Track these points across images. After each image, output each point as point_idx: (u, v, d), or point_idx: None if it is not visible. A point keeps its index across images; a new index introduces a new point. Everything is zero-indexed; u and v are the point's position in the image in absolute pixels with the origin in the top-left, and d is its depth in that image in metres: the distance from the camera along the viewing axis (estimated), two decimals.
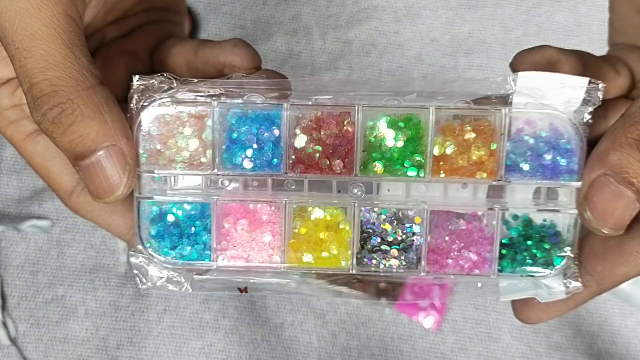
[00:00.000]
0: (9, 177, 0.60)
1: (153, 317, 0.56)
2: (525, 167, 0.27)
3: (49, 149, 0.29)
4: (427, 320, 0.55)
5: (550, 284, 0.27)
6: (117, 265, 0.58)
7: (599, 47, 0.66)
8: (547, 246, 0.28)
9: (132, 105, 0.28)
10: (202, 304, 0.57)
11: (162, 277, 0.29)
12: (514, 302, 0.29)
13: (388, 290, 0.56)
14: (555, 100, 0.27)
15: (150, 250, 0.29)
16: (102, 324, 0.57)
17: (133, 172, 0.27)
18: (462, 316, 0.57)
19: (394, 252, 0.28)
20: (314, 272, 0.30)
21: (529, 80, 0.27)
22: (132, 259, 0.29)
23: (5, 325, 0.56)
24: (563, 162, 0.27)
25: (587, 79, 0.27)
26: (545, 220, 0.28)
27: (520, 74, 0.27)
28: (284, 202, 0.28)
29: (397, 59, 0.63)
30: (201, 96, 0.28)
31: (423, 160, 0.27)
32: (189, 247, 0.29)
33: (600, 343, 0.57)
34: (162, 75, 0.28)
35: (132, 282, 0.57)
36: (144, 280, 0.29)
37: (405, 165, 0.28)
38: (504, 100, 0.27)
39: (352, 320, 0.57)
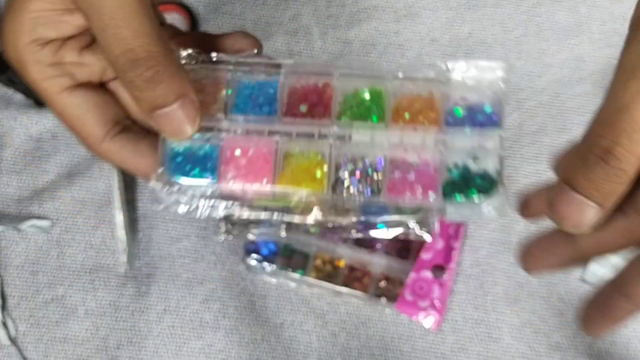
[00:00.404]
0: (9, 177, 0.60)
1: (153, 317, 0.56)
2: (462, 125, 0.37)
3: (85, 102, 0.35)
4: (427, 320, 0.55)
5: (484, 209, 0.37)
6: (117, 266, 0.58)
7: (599, 47, 0.66)
8: (480, 182, 0.37)
9: None
10: (202, 304, 0.57)
11: (177, 200, 0.37)
12: (521, 255, 0.36)
13: (388, 290, 0.56)
14: (485, 78, 0.37)
15: (168, 176, 0.36)
16: (102, 324, 0.57)
17: (200, 117, 0.34)
18: (462, 316, 0.57)
19: (360, 184, 0.38)
20: (297, 198, 0.38)
21: (462, 65, 0.37)
22: (152, 184, 0.36)
23: (5, 325, 0.56)
24: (490, 119, 0.37)
25: (502, 63, 0.37)
26: (477, 166, 0.37)
27: (455, 63, 0.37)
28: (276, 140, 0.37)
29: (397, 59, 0.63)
30: (219, 66, 0.37)
31: (382, 114, 0.37)
32: (201, 173, 0.37)
33: (600, 343, 0.57)
34: (189, 49, 0.36)
35: (132, 282, 0.57)
36: (161, 202, 0.37)
37: (371, 116, 0.37)
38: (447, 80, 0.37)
39: (352, 320, 0.57)
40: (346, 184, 0.38)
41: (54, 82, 0.34)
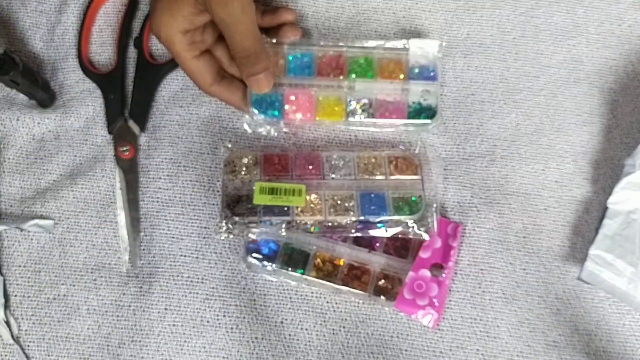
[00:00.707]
0: (12, 177, 0.60)
1: (155, 315, 0.57)
2: (417, 77, 0.61)
3: (204, 63, 0.56)
4: (426, 319, 0.56)
5: (429, 126, 0.60)
6: (120, 265, 0.58)
7: (596, 48, 0.66)
8: (428, 112, 0.60)
9: None
10: (203, 302, 0.57)
11: (259, 127, 0.60)
12: None
13: (387, 288, 0.57)
14: (428, 50, 0.61)
15: (254, 111, 0.59)
16: (105, 323, 0.57)
17: (273, 80, 0.57)
18: (460, 314, 0.57)
19: (363, 113, 0.60)
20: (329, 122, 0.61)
21: (415, 43, 0.61)
22: (245, 118, 0.60)
23: (8, 324, 0.57)
24: (432, 75, 0.61)
25: (438, 41, 0.61)
26: (426, 102, 0.60)
27: (411, 40, 0.61)
28: (314, 90, 0.60)
29: None
30: (278, 46, 0.60)
31: (373, 73, 0.60)
32: (272, 110, 0.59)
33: (597, 341, 0.57)
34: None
35: (134, 281, 0.58)
36: (251, 125, 0.60)
37: (367, 74, 0.60)
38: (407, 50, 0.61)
39: (352, 319, 0.57)
40: (354, 114, 0.60)
41: (189, 53, 0.55)
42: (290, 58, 0.60)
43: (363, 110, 0.60)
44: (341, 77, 0.60)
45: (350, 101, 0.60)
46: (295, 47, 0.60)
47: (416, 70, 0.61)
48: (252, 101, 0.59)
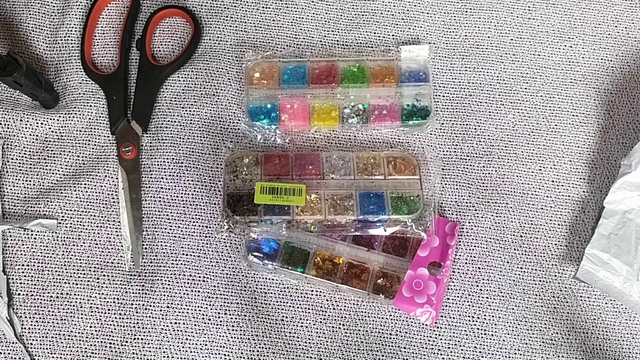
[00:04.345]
0: (16, 177, 0.61)
1: (157, 313, 0.57)
2: (409, 82, 0.62)
3: None
4: (424, 316, 0.56)
5: (424, 126, 0.62)
6: (122, 263, 0.59)
7: (592, 50, 0.67)
8: (421, 113, 0.61)
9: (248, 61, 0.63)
10: (205, 300, 0.58)
11: (258, 134, 0.61)
12: None
13: (386, 286, 0.57)
14: (418, 55, 0.63)
15: (251, 121, 0.61)
16: (107, 321, 0.58)
17: None
18: (458, 312, 0.58)
19: (357, 117, 0.61)
20: (324, 128, 0.62)
21: (406, 49, 0.62)
22: (242, 125, 0.62)
23: (11, 322, 0.57)
24: (423, 77, 0.62)
25: (427, 45, 0.63)
26: (419, 104, 0.62)
27: (402, 47, 0.62)
28: (308, 97, 0.61)
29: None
30: (272, 60, 0.63)
31: (366, 80, 0.62)
32: (269, 119, 0.61)
33: (593, 339, 0.58)
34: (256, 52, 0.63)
35: (136, 280, 0.58)
36: (247, 136, 0.62)
37: (359, 81, 0.62)
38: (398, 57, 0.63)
39: (351, 316, 0.58)
40: (349, 119, 0.61)
41: None
42: (286, 69, 0.62)
43: (357, 116, 0.61)
44: (334, 85, 0.61)
45: (344, 107, 0.61)
46: (289, 60, 0.62)
47: (407, 75, 0.62)
48: (248, 110, 0.61)
